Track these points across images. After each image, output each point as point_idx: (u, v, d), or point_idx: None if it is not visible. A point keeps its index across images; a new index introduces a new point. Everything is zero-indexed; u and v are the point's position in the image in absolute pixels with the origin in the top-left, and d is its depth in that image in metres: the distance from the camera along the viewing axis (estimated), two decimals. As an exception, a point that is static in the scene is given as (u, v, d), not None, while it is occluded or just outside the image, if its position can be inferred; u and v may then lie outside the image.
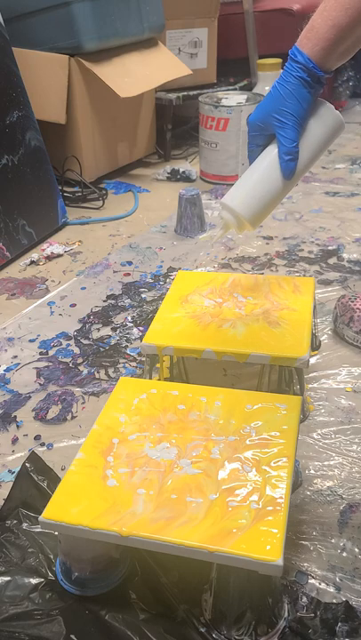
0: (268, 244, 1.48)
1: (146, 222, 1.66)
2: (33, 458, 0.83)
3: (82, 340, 1.14)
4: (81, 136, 1.76)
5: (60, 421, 0.94)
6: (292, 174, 0.73)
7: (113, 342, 1.13)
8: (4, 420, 0.94)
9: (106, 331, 1.17)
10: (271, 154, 0.74)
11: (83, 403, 0.98)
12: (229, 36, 2.27)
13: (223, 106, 1.79)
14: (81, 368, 1.06)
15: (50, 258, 1.47)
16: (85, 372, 1.05)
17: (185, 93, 2.04)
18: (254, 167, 0.76)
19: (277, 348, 0.84)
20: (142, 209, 1.75)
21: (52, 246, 1.50)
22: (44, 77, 1.66)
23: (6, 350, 1.12)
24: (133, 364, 1.07)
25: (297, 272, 1.34)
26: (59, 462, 0.85)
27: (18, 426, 0.94)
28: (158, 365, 0.92)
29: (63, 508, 0.61)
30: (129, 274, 1.38)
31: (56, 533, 0.68)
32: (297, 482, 0.79)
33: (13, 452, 0.89)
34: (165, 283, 1.33)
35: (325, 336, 1.11)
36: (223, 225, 0.80)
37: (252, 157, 0.78)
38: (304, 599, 0.65)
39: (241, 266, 1.39)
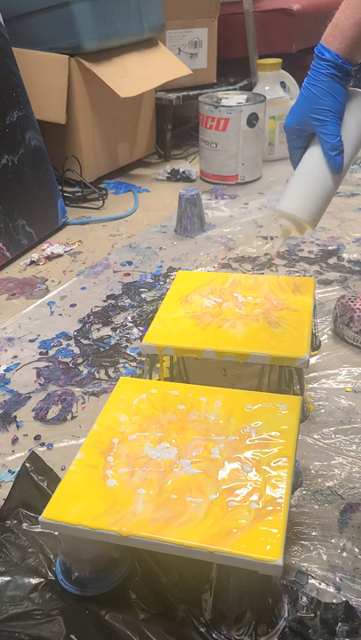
0: (268, 244, 1.48)
1: (146, 222, 1.66)
2: (33, 458, 0.83)
3: (82, 340, 1.14)
4: (81, 136, 1.76)
5: (60, 421, 0.94)
6: (340, 168, 0.74)
7: (113, 342, 1.13)
8: (4, 420, 0.94)
9: (106, 331, 1.17)
10: (315, 153, 0.75)
11: (83, 403, 0.98)
12: (229, 36, 2.27)
13: (223, 106, 1.79)
14: (81, 368, 1.06)
15: (50, 258, 1.47)
16: (85, 371, 1.05)
17: (185, 93, 2.04)
18: (301, 169, 0.77)
19: (277, 348, 0.84)
20: (142, 209, 1.75)
21: (52, 246, 1.50)
22: (44, 77, 1.66)
23: (6, 350, 1.12)
24: (133, 363, 1.07)
25: (297, 272, 1.34)
26: (59, 462, 0.85)
27: (18, 426, 0.94)
28: (158, 365, 0.92)
29: (63, 508, 0.61)
30: (129, 274, 1.38)
31: (56, 533, 0.68)
32: (297, 482, 0.79)
33: (13, 451, 0.89)
34: (165, 283, 1.33)
35: (325, 336, 1.11)
36: (283, 232, 0.81)
37: (294, 161, 0.78)
38: (304, 599, 0.65)
39: (241, 266, 1.39)
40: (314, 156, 0.75)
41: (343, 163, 0.74)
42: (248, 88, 2.20)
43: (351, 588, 0.67)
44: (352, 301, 1.08)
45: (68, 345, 1.13)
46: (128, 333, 1.15)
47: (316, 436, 0.88)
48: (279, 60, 2.03)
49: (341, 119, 0.73)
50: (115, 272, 1.39)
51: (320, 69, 0.70)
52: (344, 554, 0.71)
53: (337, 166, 0.74)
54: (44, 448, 0.89)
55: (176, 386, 0.79)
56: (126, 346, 1.12)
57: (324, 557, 0.70)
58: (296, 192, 0.78)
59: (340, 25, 0.68)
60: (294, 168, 0.79)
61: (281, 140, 2.02)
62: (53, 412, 0.96)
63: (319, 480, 0.81)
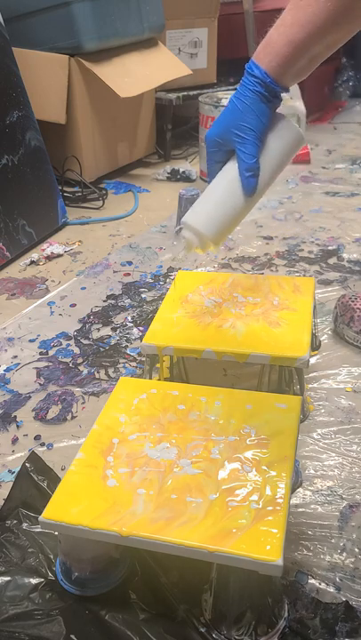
0: (268, 244, 1.48)
1: (146, 222, 1.66)
2: (33, 458, 0.83)
3: (82, 340, 1.14)
4: (81, 136, 1.76)
5: (60, 421, 0.94)
6: (253, 191, 0.71)
7: (113, 342, 1.13)
8: (4, 420, 0.94)
9: (106, 331, 1.17)
10: (231, 170, 0.72)
11: (83, 403, 0.98)
12: (229, 36, 2.27)
13: (223, 106, 1.79)
14: (81, 368, 1.06)
15: (50, 258, 1.47)
16: (85, 371, 1.05)
17: (185, 93, 2.04)
18: (215, 185, 0.74)
19: (277, 348, 0.84)
20: (142, 209, 1.75)
21: (52, 246, 1.50)
22: (44, 77, 1.67)
23: (6, 350, 1.12)
24: (133, 363, 1.07)
25: (297, 272, 1.34)
26: (59, 462, 0.85)
27: (18, 426, 0.94)
28: (158, 365, 0.92)
29: (63, 508, 0.61)
30: (129, 274, 1.38)
31: (56, 533, 0.68)
32: (297, 482, 0.79)
33: (13, 451, 0.89)
34: (165, 283, 1.33)
35: (325, 336, 1.11)
36: (186, 245, 0.77)
37: (211, 174, 0.75)
38: (304, 599, 0.65)
39: (241, 266, 1.39)
40: (229, 174, 0.72)
41: (257, 186, 0.71)
42: (248, 88, 2.20)
43: (351, 588, 0.67)
44: (353, 301, 1.08)
45: (68, 345, 1.13)
46: (128, 333, 1.15)
47: (316, 436, 0.88)
48: (279, 60, 2.03)
49: (263, 141, 0.69)
50: (115, 272, 1.39)
51: (248, 85, 0.67)
52: (344, 554, 0.71)
53: (250, 188, 0.70)
54: (44, 448, 0.89)
55: (176, 386, 0.79)
56: (126, 346, 1.12)
57: (324, 557, 0.70)
58: (205, 207, 0.74)
59: (272, 42, 0.65)
60: (209, 182, 0.75)
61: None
62: (53, 411, 0.96)
63: (319, 480, 0.81)
